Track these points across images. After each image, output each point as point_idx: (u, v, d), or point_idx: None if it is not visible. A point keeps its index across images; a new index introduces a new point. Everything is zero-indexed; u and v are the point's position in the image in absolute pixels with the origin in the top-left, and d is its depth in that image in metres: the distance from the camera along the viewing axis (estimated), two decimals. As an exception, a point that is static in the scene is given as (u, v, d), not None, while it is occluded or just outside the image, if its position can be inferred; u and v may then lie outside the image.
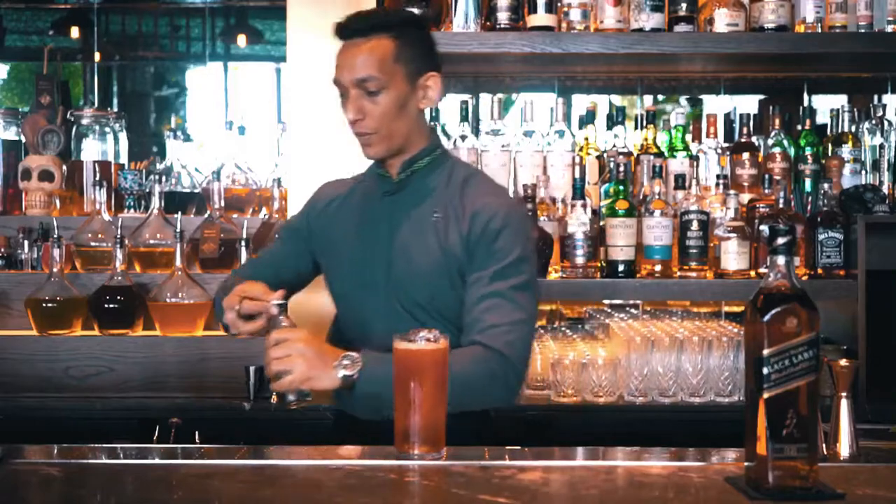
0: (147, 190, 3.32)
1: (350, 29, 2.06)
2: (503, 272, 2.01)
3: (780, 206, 2.98)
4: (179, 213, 3.12)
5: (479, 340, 1.97)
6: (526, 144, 3.13)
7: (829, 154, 3.23)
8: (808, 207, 3.08)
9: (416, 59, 2.07)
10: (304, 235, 2.27)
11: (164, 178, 3.36)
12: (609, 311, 3.32)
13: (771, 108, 3.32)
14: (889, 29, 2.98)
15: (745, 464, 1.50)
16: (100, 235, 3.15)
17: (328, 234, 2.22)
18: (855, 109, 3.35)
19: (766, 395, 1.44)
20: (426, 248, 2.08)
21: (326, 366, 1.88)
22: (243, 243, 3.01)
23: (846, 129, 3.28)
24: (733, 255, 2.91)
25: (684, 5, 2.97)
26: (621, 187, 2.98)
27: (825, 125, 3.49)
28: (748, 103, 4.04)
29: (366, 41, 2.03)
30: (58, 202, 3.33)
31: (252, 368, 2.89)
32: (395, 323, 2.00)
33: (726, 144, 3.29)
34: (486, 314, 1.99)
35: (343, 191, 2.26)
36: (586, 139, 3.27)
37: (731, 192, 2.98)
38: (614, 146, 3.25)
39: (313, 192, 2.31)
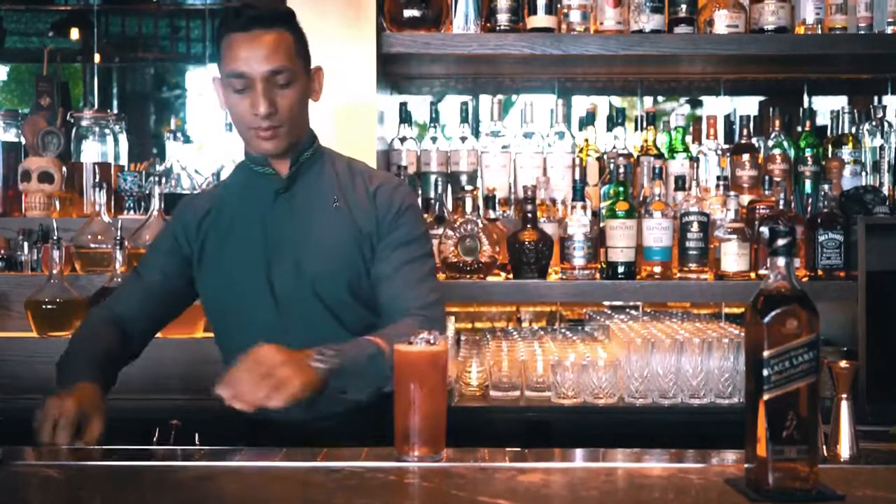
0: (147, 191, 3.31)
1: (250, 18, 2.02)
2: (407, 241, 2.09)
3: (781, 207, 2.98)
4: (179, 214, 3.11)
5: (415, 312, 2.02)
6: (526, 146, 3.13)
7: (830, 155, 3.23)
8: (809, 209, 3.08)
9: (306, 53, 2.11)
10: (177, 258, 2.20)
11: (163, 180, 3.36)
12: (609, 312, 3.33)
13: (771, 109, 3.32)
14: (889, 30, 2.99)
15: (746, 465, 1.50)
16: (100, 237, 3.14)
17: (210, 250, 2.16)
18: (855, 111, 3.35)
19: (766, 397, 1.44)
20: (339, 238, 2.08)
21: (306, 369, 1.81)
22: (243, 245, 3.01)
23: (846, 131, 3.28)
24: (733, 257, 2.91)
25: (684, 7, 2.97)
26: (621, 189, 2.98)
27: (825, 126, 3.49)
28: (748, 105, 4.05)
29: (267, 33, 2.01)
30: (57, 204, 3.32)
31: (252, 370, 2.88)
32: (314, 323, 2.03)
33: (726, 146, 3.29)
34: (410, 285, 2.06)
35: (210, 204, 2.20)
36: (586, 140, 3.27)
37: (732, 193, 2.98)
38: (614, 147, 3.25)
39: (174, 212, 2.26)
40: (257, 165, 2.14)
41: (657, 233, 2.93)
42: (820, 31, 2.98)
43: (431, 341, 1.71)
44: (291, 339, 1.92)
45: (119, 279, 3.00)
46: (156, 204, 3.14)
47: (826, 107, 3.68)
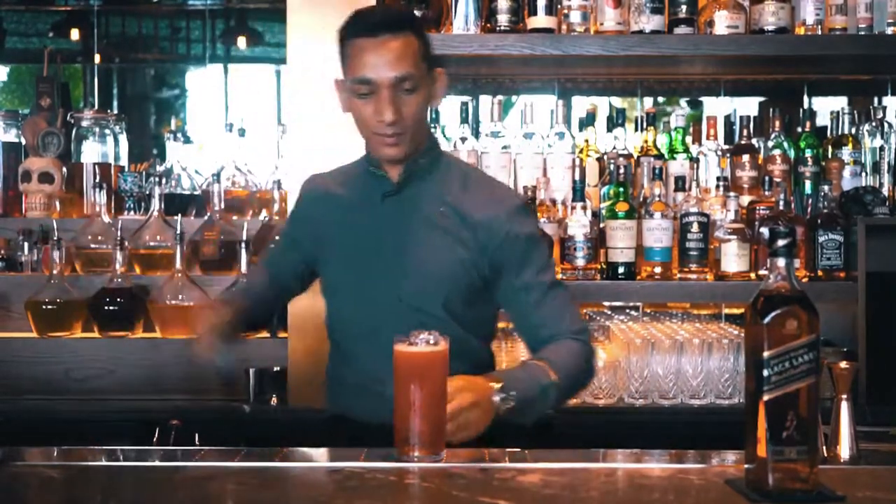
0: (147, 192, 3.32)
1: (377, 24, 1.98)
2: (545, 268, 2.09)
3: (781, 208, 2.98)
4: (179, 214, 3.12)
5: (568, 336, 2.05)
6: (526, 146, 3.13)
7: (829, 156, 3.23)
8: (809, 209, 3.08)
9: (430, 56, 2.06)
10: (296, 238, 2.24)
11: (164, 180, 3.37)
12: (609, 313, 3.32)
13: (771, 110, 3.32)
14: (889, 31, 2.98)
15: (745, 466, 1.50)
16: (100, 237, 3.14)
17: (323, 236, 2.17)
18: (855, 111, 3.35)
19: (766, 398, 1.44)
20: (438, 251, 2.05)
21: (489, 411, 1.85)
22: (243, 245, 3.01)
23: (846, 131, 3.28)
24: (733, 257, 2.91)
25: (684, 7, 2.97)
26: (621, 189, 2.98)
27: (825, 127, 3.48)
28: (748, 105, 4.05)
29: (395, 38, 1.97)
30: (58, 204, 3.33)
31: (252, 370, 2.89)
32: (404, 331, 1.96)
33: (726, 146, 3.29)
34: (555, 311, 2.06)
35: (331, 187, 2.20)
36: (586, 141, 3.27)
37: (732, 194, 2.98)
38: (614, 148, 3.25)
39: (300, 188, 2.27)
40: (371, 165, 2.12)
41: (657, 233, 2.93)
42: (820, 32, 2.98)
43: (432, 342, 1.71)
44: (384, 340, 1.86)
45: (119, 280, 3.01)
46: (156, 204, 3.15)
47: (826, 107, 3.67)
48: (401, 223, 2.08)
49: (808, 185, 3.18)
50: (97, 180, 3.27)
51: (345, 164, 2.27)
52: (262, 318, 2.34)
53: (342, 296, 2.14)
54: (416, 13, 2.87)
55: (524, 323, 2.11)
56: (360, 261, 2.10)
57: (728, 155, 3.21)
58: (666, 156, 3.21)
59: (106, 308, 3.01)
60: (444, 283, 2.05)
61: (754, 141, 3.26)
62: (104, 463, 1.72)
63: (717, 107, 3.87)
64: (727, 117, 3.52)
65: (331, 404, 2.20)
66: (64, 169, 3.33)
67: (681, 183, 3.01)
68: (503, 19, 2.95)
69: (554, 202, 3.07)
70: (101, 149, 3.52)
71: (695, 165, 3.16)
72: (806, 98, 3.75)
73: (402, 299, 2.05)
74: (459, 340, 2.04)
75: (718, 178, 3.05)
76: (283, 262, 2.28)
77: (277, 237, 2.35)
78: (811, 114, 3.41)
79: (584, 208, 2.92)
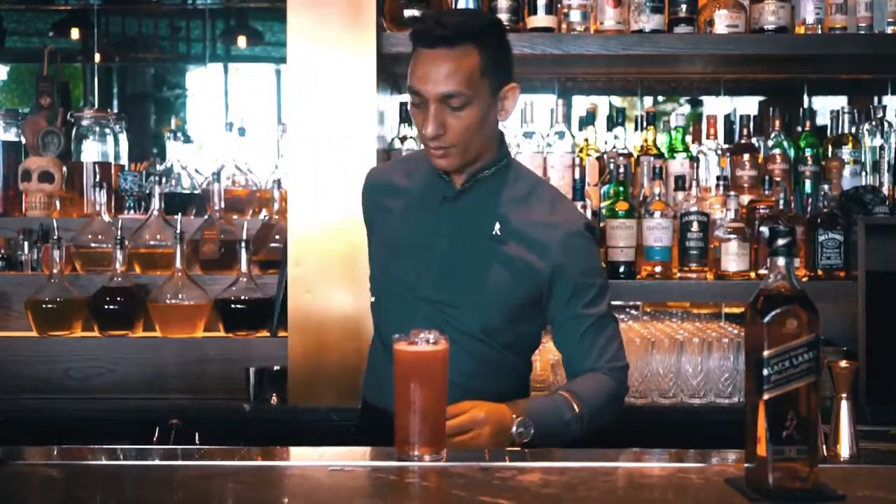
0: (147, 191, 3.32)
1: (434, 36, 1.93)
2: (595, 299, 2.06)
3: (780, 207, 2.98)
4: (179, 214, 3.12)
5: (604, 370, 2.06)
6: (526, 145, 3.13)
7: (829, 155, 3.23)
8: (808, 209, 3.08)
9: (498, 71, 2.01)
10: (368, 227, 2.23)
11: (164, 180, 3.36)
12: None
13: (771, 109, 3.32)
14: (889, 30, 2.98)
15: (745, 465, 1.50)
16: (100, 237, 3.14)
17: (379, 225, 2.17)
18: (855, 111, 3.35)
19: (766, 397, 1.44)
20: (484, 275, 2.02)
21: (505, 443, 1.89)
22: (243, 244, 3.01)
23: (846, 131, 3.28)
24: (733, 257, 2.91)
25: (684, 7, 2.97)
26: (621, 188, 2.98)
27: (825, 126, 3.49)
28: (748, 104, 4.05)
29: (451, 51, 1.92)
30: (58, 203, 3.33)
31: (252, 370, 2.89)
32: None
33: (726, 146, 3.29)
34: (598, 345, 2.06)
35: (394, 177, 2.18)
36: (586, 140, 3.27)
37: (731, 193, 2.98)
38: (614, 147, 3.25)
39: (364, 183, 2.25)
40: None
41: (657, 232, 2.93)
42: (820, 32, 2.98)
43: (432, 341, 1.71)
44: None
45: (119, 279, 3.01)
46: (156, 204, 3.15)
47: (826, 107, 3.68)
48: (455, 232, 2.06)
49: (808, 184, 3.18)
50: (97, 179, 3.27)
51: (413, 152, 2.25)
52: None
53: (385, 286, 2.13)
54: (416, 13, 2.87)
55: (566, 351, 2.11)
56: (409, 259, 2.07)
57: (728, 154, 3.21)
58: (666, 155, 3.21)
59: (106, 307, 3.01)
60: (488, 309, 2.03)
61: (754, 140, 3.26)
62: (104, 462, 1.72)
63: (717, 106, 3.87)
64: (727, 116, 3.52)
65: (367, 391, 2.20)
66: (64, 168, 3.33)
67: (681, 182, 3.02)
68: (503, 18, 2.95)
69: (554, 201, 3.07)
70: (101, 148, 3.52)
71: (695, 165, 3.16)
72: (806, 97, 3.75)
73: (444, 313, 2.03)
74: (497, 357, 2.06)
75: (718, 178, 3.05)
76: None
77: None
78: (811, 113, 3.41)
79: (584, 207, 2.92)
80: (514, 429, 1.90)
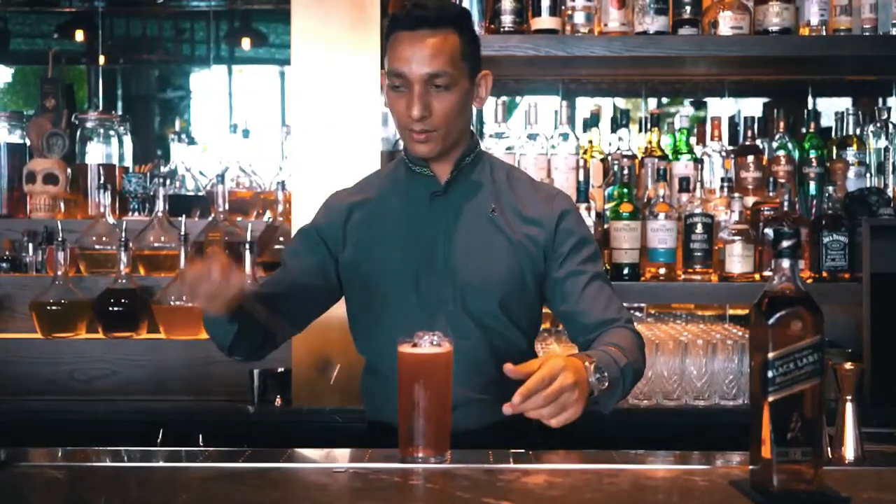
0: (151, 193, 3.32)
1: (416, 17, 1.97)
2: (593, 257, 2.10)
3: (785, 209, 2.97)
4: (184, 216, 3.13)
5: (621, 324, 2.03)
6: (530, 147, 3.13)
7: (834, 157, 3.23)
8: (813, 210, 3.08)
9: (474, 57, 2.05)
10: (323, 251, 2.12)
11: (168, 181, 3.37)
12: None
13: (775, 110, 3.32)
14: (894, 32, 2.98)
15: (750, 467, 1.50)
16: (104, 238, 3.15)
17: (359, 245, 2.10)
18: (860, 112, 3.35)
19: (770, 399, 1.44)
20: (494, 250, 2.04)
21: (585, 391, 1.75)
22: (247, 246, 3.01)
23: (851, 132, 3.28)
24: (738, 258, 2.90)
25: (688, 8, 2.97)
26: (625, 190, 2.98)
27: (830, 128, 3.48)
28: (752, 106, 4.04)
29: (433, 33, 1.96)
30: (62, 205, 3.33)
31: (256, 372, 2.89)
32: (458, 332, 1.93)
33: (731, 147, 3.29)
34: (601, 298, 2.05)
35: (366, 195, 2.14)
36: (590, 142, 3.27)
37: (736, 195, 2.98)
38: (618, 149, 3.24)
39: (321, 204, 2.18)
40: (416, 165, 2.09)
41: (661, 234, 2.93)
42: (824, 33, 2.97)
43: (436, 342, 1.71)
44: None
45: (123, 281, 3.01)
46: (160, 205, 3.15)
47: (830, 108, 3.67)
48: (453, 220, 2.06)
49: (812, 185, 3.17)
50: (101, 181, 3.28)
51: (367, 174, 2.23)
52: (278, 316, 2.09)
53: (392, 308, 2.06)
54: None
55: (573, 307, 2.06)
56: (412, 263, 2.05)
57: (732, 156, 3.21)
58: (670, 157, 3.21)
59: (110, 309, 3.02)
60: (504, 283, 2.04)
61: (759, 142, 3.26)
62: (108, 464, 1.73)
63: (721, 108, 3.87)
64: (731, 118, 3.52)
65: (370, 411, 2.16)
66: (68, 170, 3.34)
67: (685, 184, 3.01)
68: (507, 20, 2.95)
69: (558, 203, 3.07)
70: (105, 150, 3.53)
71: (699, 166, 3.16)
72: (810, 99, 3.75)
73: (460, 306, 2.02)
74: (513, 340, 2.06)
75: (723, 179, 3.05)
76: (305, 273, 2.12)
77: (286, 257, 2.18)
78: (816, 114, 3.41)
79: (588, 209, 2.92)
80: (591, 378, 1.77)
